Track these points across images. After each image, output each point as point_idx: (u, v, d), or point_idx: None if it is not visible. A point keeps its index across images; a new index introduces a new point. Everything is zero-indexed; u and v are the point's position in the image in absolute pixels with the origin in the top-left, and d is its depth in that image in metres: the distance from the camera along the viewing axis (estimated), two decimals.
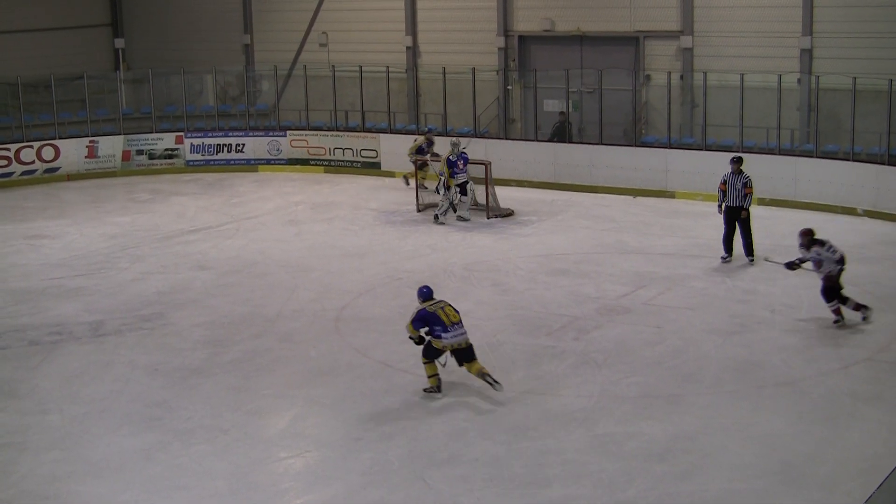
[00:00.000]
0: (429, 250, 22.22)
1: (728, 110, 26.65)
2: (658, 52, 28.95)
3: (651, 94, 29.13)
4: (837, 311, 16.91)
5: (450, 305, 14.83)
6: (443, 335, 14.50)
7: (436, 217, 24.50)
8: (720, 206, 20.69)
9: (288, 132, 32.05)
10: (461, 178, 24.53)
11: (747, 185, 20.39)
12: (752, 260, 20.45)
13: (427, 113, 31.54)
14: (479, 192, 25.44)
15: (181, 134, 32.34)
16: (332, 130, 31.71)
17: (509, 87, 31.12)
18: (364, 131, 31.34)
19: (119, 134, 32.18)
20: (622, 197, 26.72)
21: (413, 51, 32.58)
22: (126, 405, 14.79)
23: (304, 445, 13.53)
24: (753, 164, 25.38)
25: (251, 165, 32.11)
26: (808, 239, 17.19)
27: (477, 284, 19.84)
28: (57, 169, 31.21)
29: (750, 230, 20.59)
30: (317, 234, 24.04)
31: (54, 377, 15.88)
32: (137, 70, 35.99)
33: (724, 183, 20.55)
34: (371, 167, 30.85)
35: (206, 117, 33.31)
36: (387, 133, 31.01)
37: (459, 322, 14.63)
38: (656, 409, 14.15)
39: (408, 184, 27.68)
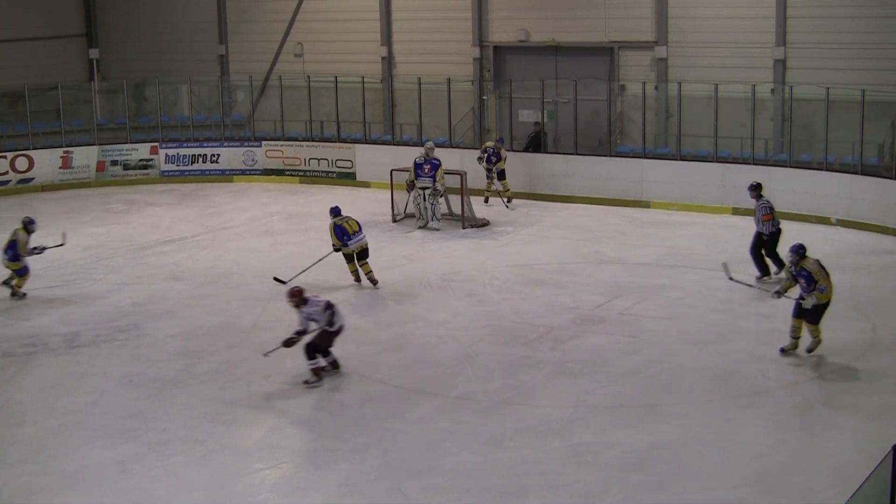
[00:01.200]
0: (405, 260, 22.21)
1: (703, 120, 26.75)
2: (633, 62, 29.03)
3: (626, 105, 29.20)
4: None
5: (352, 219, 20.27)
6: (349, 242, 19.78)
7: (393, 217, 24.85)
8: (769, 234, 20.26)
9: (263, 143, 31.98)
10: (424, 183, 24.53)
11: (765, 212, 20.09)
12: (777, 273, 19.95)
13: (402, 123, 31.54)
14: (455, 203, 25.45)
15: (156, 144, 32.22)
16: (308, 141, 31.66)
17: (484, 98, 31.15)
18: (339, 142, 31.29)
19: (94, 144, 32.04)
20: (598, 207, 26.76)
21: (388, 61, 32.57)
22: (101, 417, 14.72)
23: (281, 456, 13.50)
24: (727, 174, 25.64)
25: (226, 176, 32.02)
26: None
27: (453, 295, 19.84)
28: (31, 179, 31.05)
29: (773, 251, 20.19)
30: (292, 244, 23.99)
31: (29, 389, 15.80)
32: (112, 80, 35.86)
33: (771, 211, 20.27)
34: (346, 177, 30.81)
35: (180, 128, 33.21)
36: (362, 143, 30.97)
37: (360, 230, 20.16)
38: (633, 418, 14.18)
39: (486, 201, 27.43)
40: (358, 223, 20.47)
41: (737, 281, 18.08)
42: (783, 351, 16.19)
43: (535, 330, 17.72)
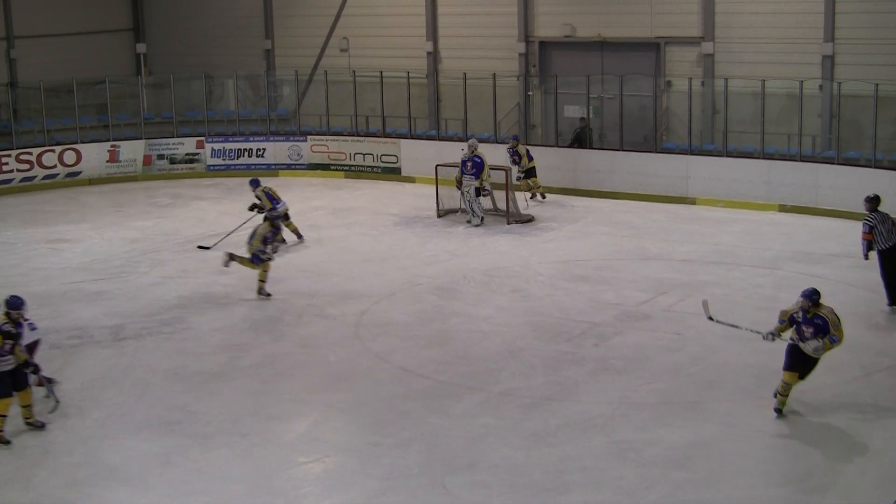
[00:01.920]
0: (448, 256, 22.21)
1: (749, 116, 26.61)
2: (679, 58, 28.89)
3: (672, 100, 29.07)
4: None
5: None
6: (277, 206, 22.48)
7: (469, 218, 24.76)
8: (866, 254, 18.25)
9: (308, 137, 32.10)
10: (467, 181, 24.52)
11: (864, 229, 18.10)
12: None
13: (447, 118, 31.55)
14: (500, 198, 25.43)
15: (202, 139, 32.44)
16: (353, 135, 31.75)
17: (530, 93, 31.10)
18: (384, 136, 31.36)
19: (140, 138, 32.29)
20: (642, 203, 26.66)
21: (434, 56, 32.58)
22: (146, 409, 14.82)
23: (323, 450, 13.53)
24: (774, 171, 25.47)
25: (271, 170, 32.15)
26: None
27: (497, 290, 19.83)
28: (79, 173, 31.33)
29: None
30: (337, 239, 24.06)
31: (75, 381, 15.92)
32: (159, 75, 36.09)
33: (871, 230, 18.06)
34: (391, 172, 30.86)
35: (226, 122, 33.37)
36: (407, 138, 31.02)
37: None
38: (676, 416, 14.12)
39: (533, 196, 27.37)
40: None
41: (718, 321, 15.75)
42: (778, 412, 14.01)
43: (579, 326, 17.68)
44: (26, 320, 14.37)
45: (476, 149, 24.81)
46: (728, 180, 26.15)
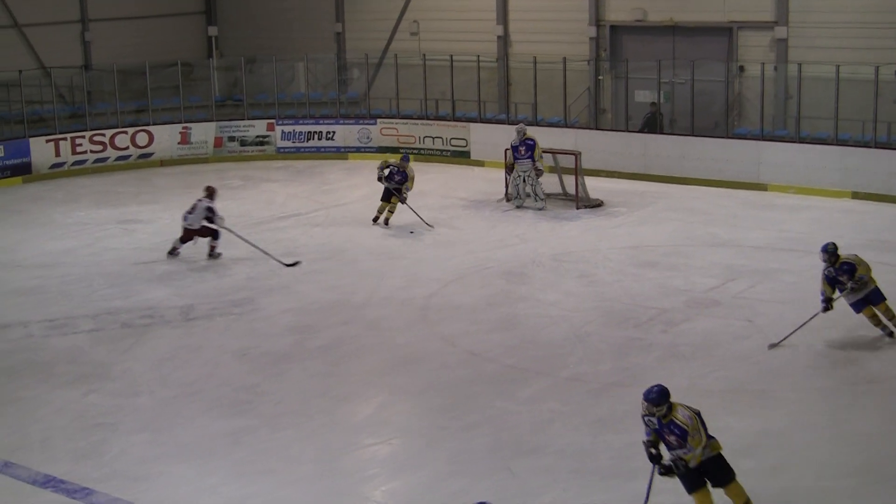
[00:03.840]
0: (517, 240, 22.17)
1: (823, 102, 26.24)
2: (752, 42, 28.58)
3: (744, 86, 28.78)
4: None
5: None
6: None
7: (506, 201, 24.65)
8: None
9: (378, 120, 32.17)
10: (523, 165, 24.43)
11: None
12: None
13: (517, 102, 31.45)
14: (569, 183, 25.35)
15: (272, 121, 32.62)
16: (422, 119, 31.77)
17: (600, 78, 30.93)
18: (454, 120, 31.35)
19: (211, 121, 32.54)
20: (713, 189, 26.46)
21: (504, 40, 32.49)
22: (215, 389, 14.95)
23: (390, 433, 13.58)
24: (848, 158, 25.12)
25: (341, 153, 32.29)
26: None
27: (565, 275, 19.77)
28: (150, 154, 31.64)
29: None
30: (405, 222, 24.09)
31: (145, 360, 16.11)
32: (230, 57, 36.32)
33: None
34: (460, 156, 30.87)
35: (297, 105, 33.53)
36: (477, 122, 30.99)
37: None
38: (744, 404, 14.01)
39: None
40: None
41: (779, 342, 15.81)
42: None
43: (647, 312, 17.59)
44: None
45: (525, 132, 24.66)
46: (800, 167, 25.87)
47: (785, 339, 15.78)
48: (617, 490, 11.80)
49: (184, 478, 12.40)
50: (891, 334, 15.86)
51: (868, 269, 15.72)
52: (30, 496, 12.01)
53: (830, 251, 15.66)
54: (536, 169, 24.49)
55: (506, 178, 25.62)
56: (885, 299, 15.77)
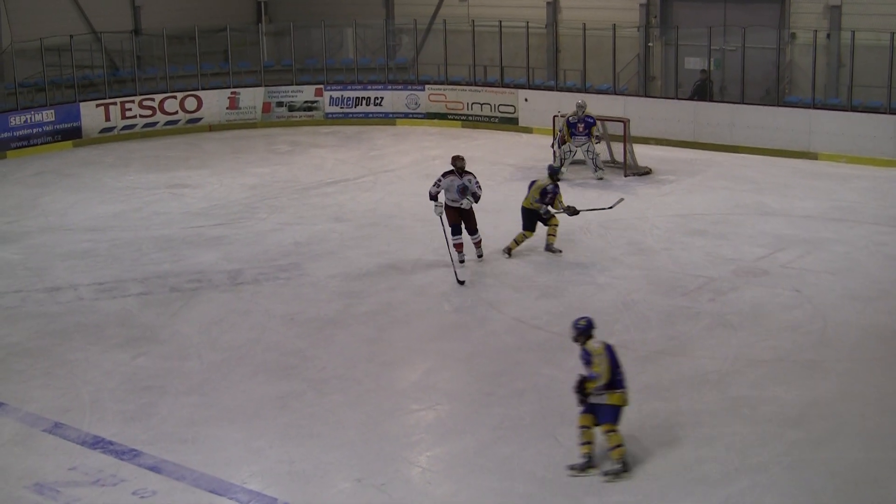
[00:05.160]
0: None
1: (876, 70, 25.94)
2: (804, 9, 28.27)
3: (796, 53, 28.49)
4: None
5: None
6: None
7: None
8: None
9: (426, 86, 32.13)
10: (579, 142, 24.27)
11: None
12: None
13: (566, 69, 31.29)
14: (617, 150, 25.23)
15: (321, 87, 32.66)
16: (471, 85, 31.70)
17: (650, 45, 30.70)
18: (503, 87, 31.26)
19: (260, 86, 32.62)
20: (763, 157, 26.27)
21: (553, 6, 32.29)
22: (262, 353, 15.03)
23: (436, 398, 13.60)
24: None
25: (389, 119, 32.29)
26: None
27: (613, 243, 19.69)
28: (199, 119, 31.77)
29: None
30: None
31: (194, 324, 16.22)
32: (279, 23, 36.34)
33: None
34: (509, 123, 30.79)
35: (345, 70, 33.54)
36: (525, 89, 30.88)
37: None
38: (792, 374, 13.93)
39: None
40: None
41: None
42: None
43: (695, 281, 17.51)
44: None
45: (585, 109, 24.45)
46: (852, 135, 25.61)
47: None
48: (662, 458, 11.77)
49: (231, 440, 12.49)
50: None
51: None
52: (79, 457, 12.13)
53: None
54: (596, 138, 24.36)
55: (553, 148, 25.48)
56: None
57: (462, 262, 18.39)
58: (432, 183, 18.65)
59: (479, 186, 18.47)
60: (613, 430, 11.60)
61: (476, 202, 18.45)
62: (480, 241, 18.75)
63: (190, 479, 11.59)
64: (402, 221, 21.47)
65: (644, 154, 25.78)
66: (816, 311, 16.04)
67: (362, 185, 24.67)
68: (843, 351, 14.66)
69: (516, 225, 20.10)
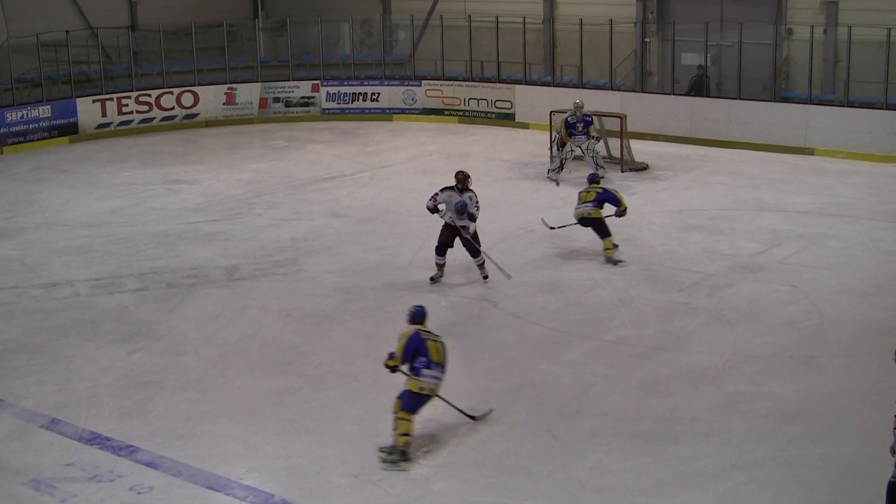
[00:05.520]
0: (562, 203, 22.07)
1: (873, 66, 25.96)
2: (801, 5, 28.25)
3: (792, 49, 28.49)
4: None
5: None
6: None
7: (548, 173, 24.29)
8: None
9: (423, 82, 32.13)
10: (579, 141, 24.14)
11: None
12: None
13: (563, 65, 31.29)
14: (614, 146, 25.22)
15: (317, 82, 32.67)
16: (468, 81, 31.71)
17: (647, 40, 30.70)
18: (499, 82, 31.26)
19: (256, 81, 32.63)
20: (760, 153, 26.28)
21: (550, 2, 32.27)
22: (259, 349, 15.03)
23: None
24: None
25: (386, 115, 32.28)
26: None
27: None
28: (196, 115, 31.76)
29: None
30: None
31: (190, 319, 16.21)
32: (275, 18, 36.32)
33: None
34: (505, 118, 30.79)
35: (342, 66, 33.52)
36: (522, 84, 30.90)
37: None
38: (788, 369, 13.94)
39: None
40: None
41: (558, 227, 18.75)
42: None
43: (692, 276, 17.51)
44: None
45: (583, 108, 24.32)
46: (849, 131, 25.63)
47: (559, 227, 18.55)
48: (659, 454, 11.78)
49: (228, 436, 12.48)
50: None
51: None
52: (76, 453, 12.12)
53: None
54: (593, 137, 24.27)
55: (551, 149, 25.36)
56: None
57: (434, 280, 17.44)
58: (429, 196, 17.51)
59: (478, 207, 17.27)
60: (405, 419, 11.81)
61: (473, 222, 17.27)
62: (483, 262, 17.44)
63: (187, 475, 11.58)
64: (398, 217, 21.46)
65: (641, 150, 25.80)
66: (813, 306, 16.06)
67: (359, 180, 24.67)
68: (839, 346, 14.67)
69: (513, 220, 20.18)
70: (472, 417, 12.62)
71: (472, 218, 17.23)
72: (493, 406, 13.02)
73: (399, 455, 11.73)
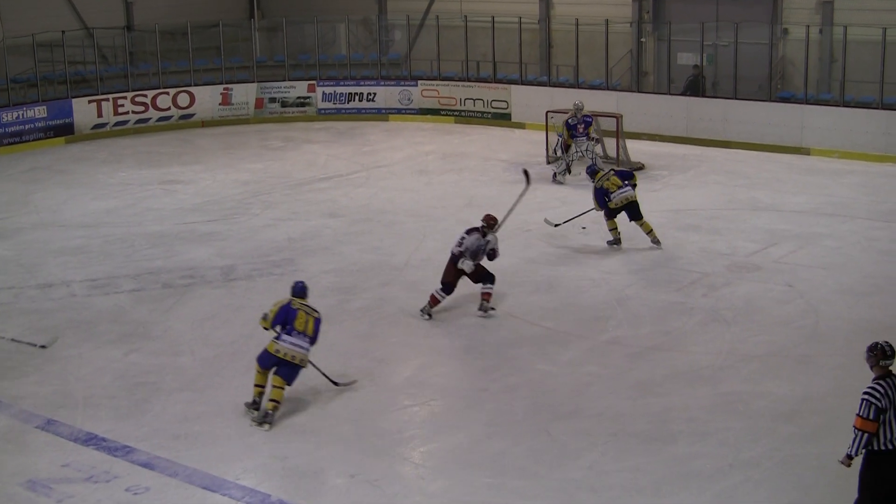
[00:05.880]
0: (558, 203, 22.11)
1: (868, 66, 25.95)
2: (797, 5, 28.26)
3: (788, 49, 28.50)
4: None
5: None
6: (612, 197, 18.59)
7: (554, 176, 24.25)
8: None
9: (419, 82, 32.13)
10: (581, 142, 24.04)
11: None
12: None
13: (559, 65, 31.29)
14: (610, 146, 25.22)
15: (313, 82, 32.66)
16: (464, 81, 31.71)
17: (643, 40, 30.70)
18: (495, 82, 31.27)
19: (252, 81, 32.62)
20: (756, 153, 26.29)
21: (546, 1, 32.26)
22: (256, 349, 14.89)
23: (429, 394, 13.60)
24: (893, 122, 24.89)
25: (382, 114, 32.28)
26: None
27: (606, 238, 19.68)
28: (192, 115, 31.75)
29: None
30: (446, 184, 24.10)
31: (187, 320, 16.20)
32: (271, 18, 36.31)
33: None
34: (501, 118, 30.80)
35: (338, 66, 33.51)
36: (518, 84, 30.90)
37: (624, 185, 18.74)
38: (785, 368, 13.95)
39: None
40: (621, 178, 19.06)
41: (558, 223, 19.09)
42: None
43: (688, 276, 17.52)
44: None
45: (583, 109, 24.18)
46: (845, 131, 25.64)
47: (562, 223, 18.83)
48: (655, 454, 11.78)
49: (224, 436, 12.48)
50: None
51: None
52: (72, 453, 12.12)
53: None
54: (593, 139, 24.17)
55: (554, 151, 25.16)
56: None
57: (426, 315, 16.06)
58: (455, 242, 15.98)
59: (497, 250, 16.10)
60: (257, 371, 13.00)
61: (491, 260, 16.02)
62: (490, 294, 16.08)
63: (183, 476, 11.58)
64: (394, 217, 21.47)
65: (637, 149, 25.80)
66: (809, 306, 16.08)
67: (355, 180, 24.67)
68: (835, 346, 14.68)
69: (510, 220, 20.08)
70: (335, 383, 13.57)
71: (492, 257, 16.01)
72: (491, 406, 13.04)
73: (252, 406, 12.95)
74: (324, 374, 13.43)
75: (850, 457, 9.91)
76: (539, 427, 12.52)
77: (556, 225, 19.47)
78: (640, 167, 24.85)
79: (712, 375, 13.76)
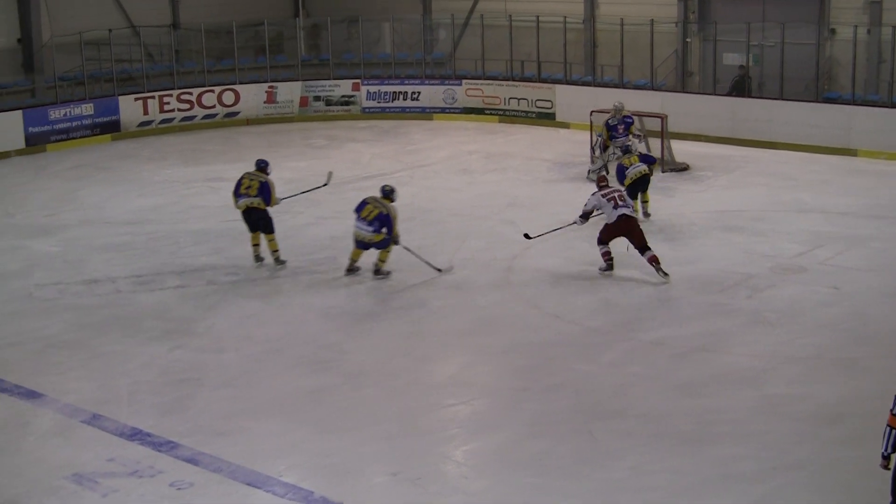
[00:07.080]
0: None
1: None
2: (844, 5, 28.06)
3: (835, 49, 28.31)
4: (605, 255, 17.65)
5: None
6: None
7: (588, 173, 24.19)
8: None
9: (463, 81, 32.14)
10: (620, 143, 23.89)
11: None
12: None
13: (603, 64, 31.21)
14: (655, 146, 25.14)
15: (358, 81, 32.73)
16: (508, 80, 31.68)
17: (688, 40, 30.58)
18: (539, 82, 31.22)
19: (297, 80, 32.73)
20: (802, 154, 26.12)
21: (591, 1, 32.19)
22: (299, 347, 15.08)
23: (472, 393, 13.60)
24: None
25: (426, 114, 32.30)
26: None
27: (649, 238, 19.53)
28: (237, 113, 31.89)
29: None
30: (489, 183, 24.08)
31: (230, 317, 16.28)
32: (316, 17, 36.41)
33: None
34: (546, 118, 30.75)
35: (382, 65, 33.58)
36: (562, 84, 30.84)
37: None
38: (829, 371, 13.86)
39: None
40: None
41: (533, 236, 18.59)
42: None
43: (732, 277, 17.43)
44: None
45: (623, 110, 24.05)
46: (892, 132, 25.45)
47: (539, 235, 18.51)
48: (697, 455, 11.74)
49: (267, 433, 12.53)
50: None
51: None
52: (117, 448, 12.20)
53: None
54: (635, 135, 24.04)
55: (593, 151, 25.07)
56: None
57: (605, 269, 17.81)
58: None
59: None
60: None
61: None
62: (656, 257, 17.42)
63: (226, 472, 11.63)
64: (438, 216, 21.48)
65: (681, 150, 25.69)
66: (854, 308, 15.96)
67: (398, 179, 24.66)
68: (880, 348, 14.57)
69: (553, 220, 20.11)
70: (438, 270, 16.79)
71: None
72: (534, 406, 13.03)
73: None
74: (425, 261, 16.83)
75: (884, 457, 9.83)
76: (581, 427, 12.49)
77: (530, 237, 19.08)
78: (685, 168, 24.76)
79: (755, 377, 13.69)
